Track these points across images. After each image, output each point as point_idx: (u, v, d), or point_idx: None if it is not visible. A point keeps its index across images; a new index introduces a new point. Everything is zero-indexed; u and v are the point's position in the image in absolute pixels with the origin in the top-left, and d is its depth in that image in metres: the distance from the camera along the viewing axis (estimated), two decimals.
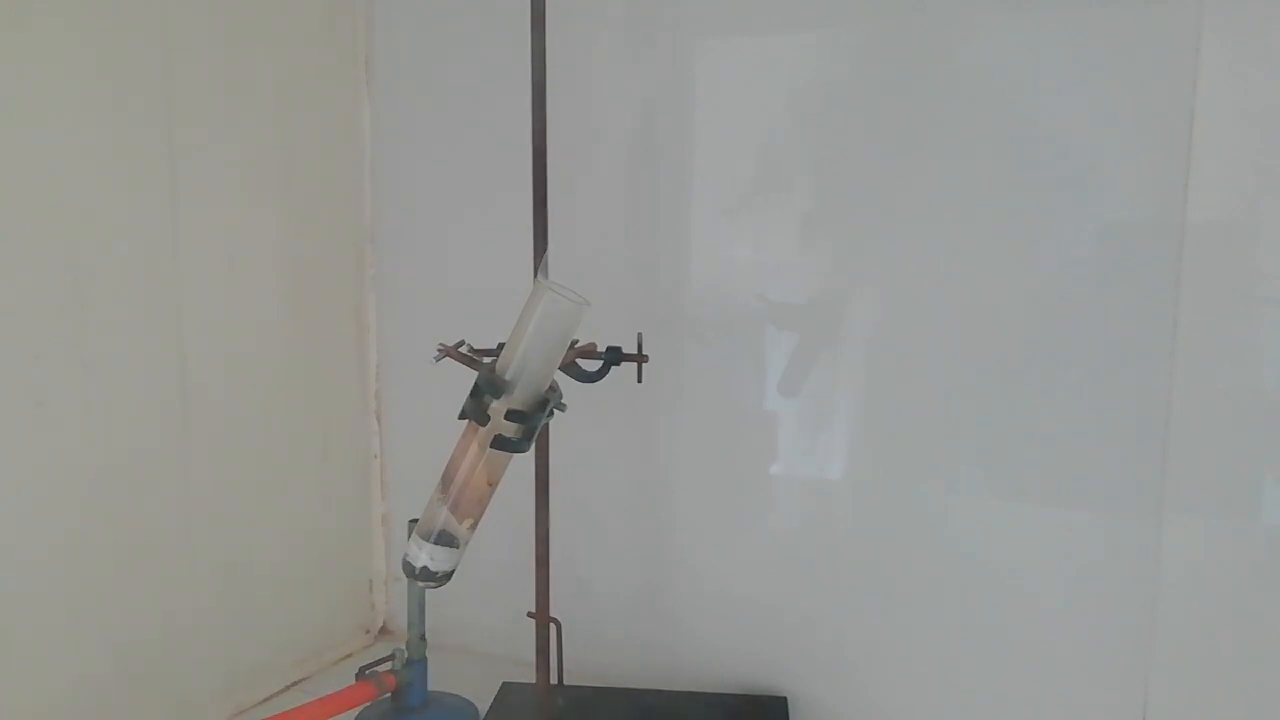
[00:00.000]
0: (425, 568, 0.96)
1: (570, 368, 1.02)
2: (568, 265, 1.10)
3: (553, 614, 1.12)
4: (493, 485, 0.95)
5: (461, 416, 0.93)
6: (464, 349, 1.00)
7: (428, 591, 1.15)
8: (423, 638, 1.21)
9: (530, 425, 0.92)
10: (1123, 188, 1.04)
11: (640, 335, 1.03)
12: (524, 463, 1.01)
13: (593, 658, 1.23)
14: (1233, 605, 1.03)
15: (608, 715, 1.19)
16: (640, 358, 1.03)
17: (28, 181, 0.99)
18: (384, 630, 1.54)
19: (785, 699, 1.22)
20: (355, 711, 1.18)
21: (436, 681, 1.24)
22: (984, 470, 1.13)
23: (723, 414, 1.27)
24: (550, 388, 0.94)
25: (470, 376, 0.94)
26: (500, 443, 0.91)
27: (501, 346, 0.94)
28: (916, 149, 1.13)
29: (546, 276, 0.88)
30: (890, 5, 1.13)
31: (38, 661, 1.02)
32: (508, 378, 0.91)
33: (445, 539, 0.95)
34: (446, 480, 0.95)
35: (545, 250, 1.06)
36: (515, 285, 1.02)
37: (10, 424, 0.98)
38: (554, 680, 1.13)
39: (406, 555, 0.97)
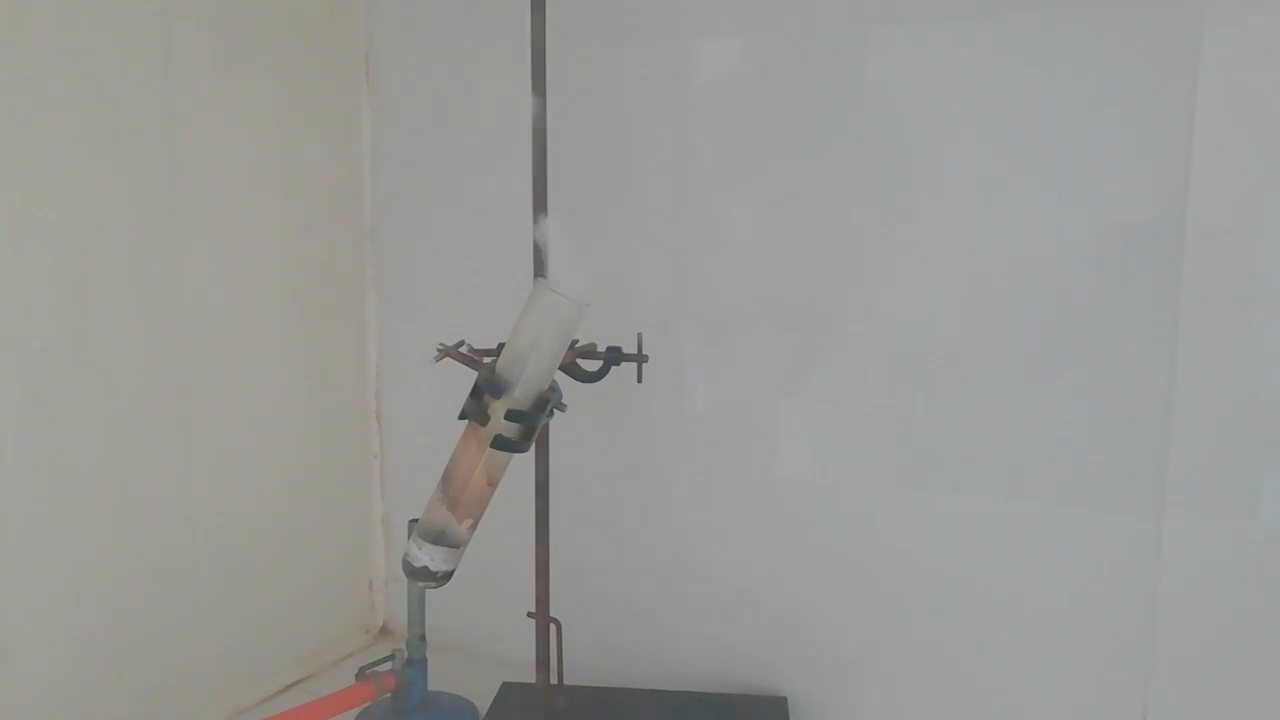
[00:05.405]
0: (425, 568, 0.96)
1: (570, 368, 1.02)
2: (567, 265, 1.11)
3: (553, 614, 1.12)
4: (493, 485, 0.95)
5: (461, 416, 0.93)
6: (464, 349, 1.00)
7: (428, 591, 1.15)
8: (423, 638, 1.21)
9: (530, 425, 0.92)
10: (1123, 188, 1.04)
11: (640, 335, 1.03)
12: (524, 463, 1.01)
13: (593, 658, 1.23)
14: (1233, 605, 1.02)
15: (608, 715, 1.19)
16: (640, 358, 1.03)
17: (28, 182, 0.99)
18: (384, 630, 1.54)
19: (785, 699, 1.21)
20: (355, 711, 1.17)
21: (436, 681, 1.24)
22: (984, 470, 1.13)
23: (722, 414, 1.27)
24: (550, 388, 0.94)
25: (470, 376, 0.94)
26: (500, 443, 0.91)
27: (501, 346, 0.94)
28: (916, 149, 1.13)
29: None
30: (895, 3, 1.13)
31: (37, 662, 1.02)
32: (508, 378, 0.91)
33: (445, 539, 0.95)
34: (446, 480, 0.95)
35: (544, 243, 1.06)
36: (515, 285, 1.02)
37: (10, 424, 0.98)
38: (554, 680, 1.13)
39: (406, 555, 0.98)
